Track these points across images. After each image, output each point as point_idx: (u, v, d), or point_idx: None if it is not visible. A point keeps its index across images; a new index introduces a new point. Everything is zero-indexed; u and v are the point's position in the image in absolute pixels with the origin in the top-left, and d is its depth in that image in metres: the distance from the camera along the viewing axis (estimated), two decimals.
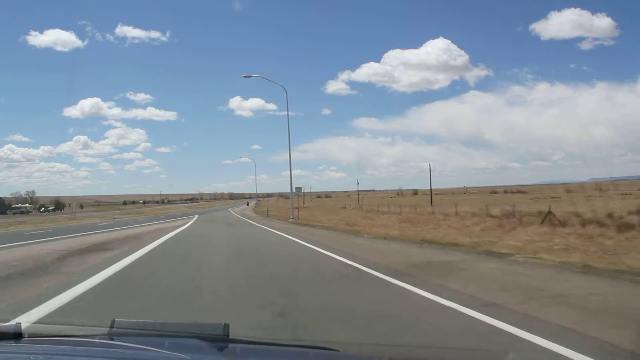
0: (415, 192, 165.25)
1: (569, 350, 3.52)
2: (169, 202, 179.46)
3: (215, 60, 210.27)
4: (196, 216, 46.35)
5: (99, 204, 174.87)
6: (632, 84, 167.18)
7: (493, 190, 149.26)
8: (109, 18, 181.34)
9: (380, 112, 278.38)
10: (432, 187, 77.03)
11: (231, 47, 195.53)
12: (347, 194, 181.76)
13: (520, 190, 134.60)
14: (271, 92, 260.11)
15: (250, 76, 34.52)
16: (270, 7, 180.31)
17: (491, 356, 3.59)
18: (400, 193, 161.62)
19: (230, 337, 1.76)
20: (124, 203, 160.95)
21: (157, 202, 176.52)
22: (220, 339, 1.73)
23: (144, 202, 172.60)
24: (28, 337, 1.82)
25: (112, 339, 1.78)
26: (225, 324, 1.76)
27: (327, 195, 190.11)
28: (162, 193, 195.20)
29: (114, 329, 1.81)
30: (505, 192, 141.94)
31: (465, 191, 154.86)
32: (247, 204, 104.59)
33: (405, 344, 3.83)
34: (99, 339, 1.83)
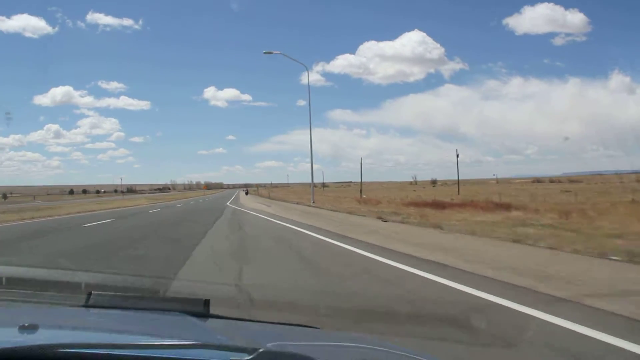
0: (434, 182, 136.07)
1: None
2: (131, 191, 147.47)
3: (189, 50, 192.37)
4: None
5: (48, 194, 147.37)
6: (603, 80, 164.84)
7: (536, 180, 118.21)
8: (79, 4, 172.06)
9: (356, 104, 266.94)
10: (439, 178, 48.56)
11: (205, 37, 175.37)
12: (348, 184, 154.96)
13: (571, 180, 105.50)
14: (246, 82, 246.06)
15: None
16: None
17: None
18: (414, 183, 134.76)
19: (211, 313, 1.66)
20: (70, 192, 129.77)
21: (116, 191, 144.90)
22: (201, 315, 1.61)
23: (98, 192, 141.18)
24: None
25: (89, 311, 1.63)
26: (205, 299, 1.64)
27: (326, 185, 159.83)
28: (124, 182, 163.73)
29: (90, 302, 1.63)
30: (552, 181, 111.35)
31: (496, 181, 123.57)
32: (246, 193, 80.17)
33: None
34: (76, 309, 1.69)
